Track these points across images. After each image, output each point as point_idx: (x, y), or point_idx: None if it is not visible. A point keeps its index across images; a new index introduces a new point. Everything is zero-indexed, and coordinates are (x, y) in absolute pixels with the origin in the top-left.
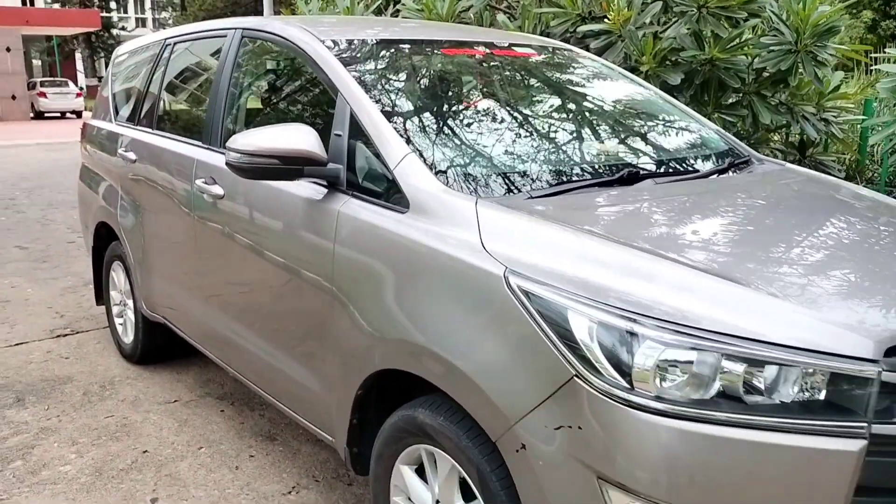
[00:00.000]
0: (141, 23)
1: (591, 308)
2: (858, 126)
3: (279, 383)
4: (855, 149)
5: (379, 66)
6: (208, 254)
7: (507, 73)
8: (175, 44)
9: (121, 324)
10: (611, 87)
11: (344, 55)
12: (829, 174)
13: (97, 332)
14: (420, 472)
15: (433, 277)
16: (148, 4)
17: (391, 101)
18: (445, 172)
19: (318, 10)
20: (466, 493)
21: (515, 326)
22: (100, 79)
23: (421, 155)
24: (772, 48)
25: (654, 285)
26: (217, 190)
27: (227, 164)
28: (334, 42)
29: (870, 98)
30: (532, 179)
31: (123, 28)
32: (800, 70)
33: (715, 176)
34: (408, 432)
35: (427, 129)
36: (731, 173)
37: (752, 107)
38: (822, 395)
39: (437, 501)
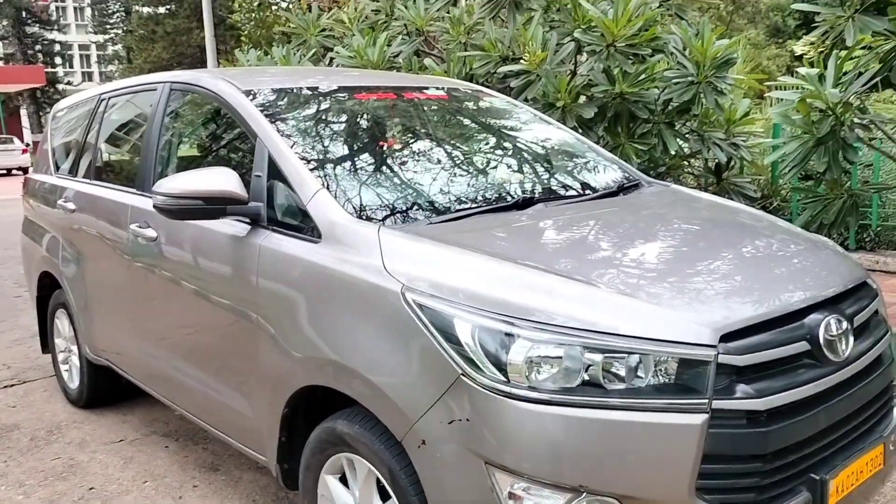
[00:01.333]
0: (87, 77)
1: (473, 315)
2: (761, 149)
3: (218, 413)
4: (769, 170)
5: (294, 113)
6: (146, 295)
7: (415, 114)
8: (110, 98)
9: (66, 370)
10: (513, 122)
11: (262, 104)
12: (745, 195)
13: (44, 380)
14: (343, 480)
15: (343, 298)
16: (94, 58)
17: (305, 143)
18: (352, 204)
19: (257, 61)
20: (383, 494)
21: (412, 336)
22: None
23: (330, 189)
24: (675, 80)
25: (528, 292)
26: (150, 233)
27: (154, 206)
28: (254, 92)
29: (777, 122)
30: (432, 208)
31: (69, 83)
32: (702, 100)
33: (605, 198)
34: (329, 443)
35: (337, 166)
36: (619, 196)
37: (661, 136)
38: (671, 379)
39: None
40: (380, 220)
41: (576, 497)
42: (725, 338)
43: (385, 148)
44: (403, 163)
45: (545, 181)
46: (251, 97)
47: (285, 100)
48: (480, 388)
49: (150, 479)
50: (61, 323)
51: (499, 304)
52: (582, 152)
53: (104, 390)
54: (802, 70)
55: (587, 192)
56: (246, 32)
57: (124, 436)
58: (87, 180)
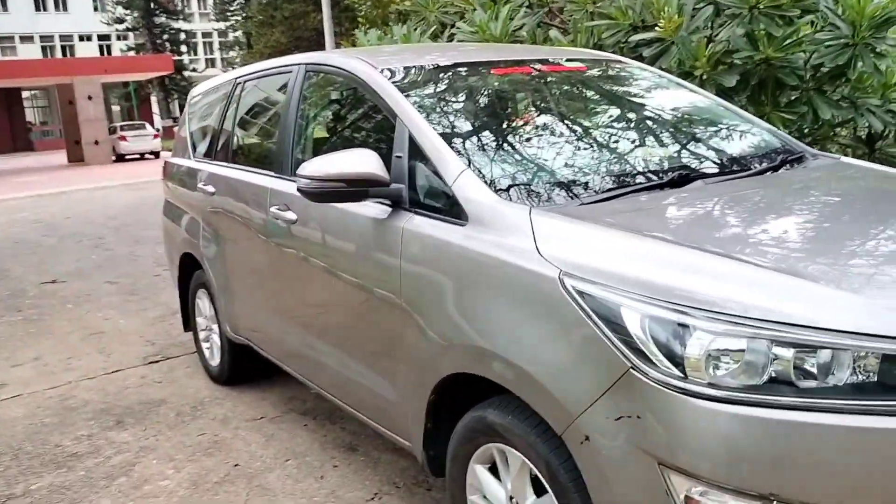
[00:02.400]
0: (210, 63)
1: (642, 303)
2: None
3: (358, 395)
4: None
5: (434, 90)
6: (285, 276)
7: (557, 87)
8: (245, 82)
9: (207, 348)
10: (659, 93)
11: (400, 82)
12: None
13: (186, 357)
14: (493, 470)
15: (493, 284)
16: (216, 45)
17: (446, 121)
18: (500, 185)
19: (377, 40)
20: (538, 488)
21: (572, 325)
22: (175, 119)
23: (476, 170)
24: (828, 43)
25: (703, 279)
26: (290, 215)
27: (297, 189)
28: (391, 70)
29: None
30: (583, 187)
31: (194, 70)
32: (859, 63)
33: (767, 173)
34: (479, 432)
35: (481, 145)
36: (783, 170)
37: (812, 103)
38: (874, 377)
39: (511, 497)
40: (529, 201)
41: None
42: None
43: (527, 125)
44: (548, 140)
45: (701, 156)
46: (388, 76)
47: (422, 77)
48: (653, 383)
49: (292, 458)
50: (202, 302)
51: (671, 291)
52: (737, 123)
53: (244, 368)
54: None
55: (749, 167)
56: (363, 13)
57: (264, 413)
58: (226, 163)
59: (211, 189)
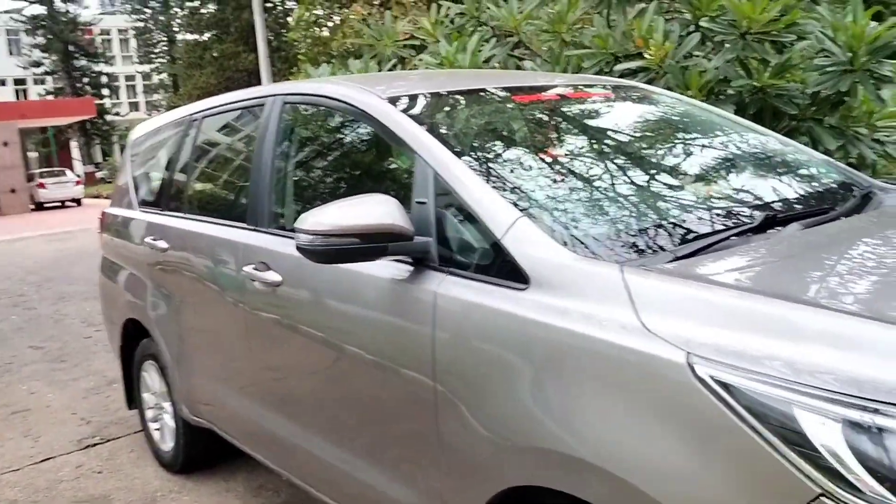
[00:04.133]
0: (134, 107)
1: (828, 402)
2: None
3: (360, 496)
4: None
5: (455, 121)
6: (265, 348)
7: (596, 115)
8: (203, 119)
9: (157, 429)
10: (703, 123)
11: (414, 112)
12: None
13: (129, 438)
14: None
15: (581, 368)
16: (140, 88)
17: (480, 158)
18: (565, 236)
19: (330, 75)
20: None
21: (716, 431)
22: (97, 165)
23: (534, 218)
24: (826, 69)
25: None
26: (273, 276)
27: (297, 248)
28: (399, 99)
29: None
30: (667, 236)
31: (117, 113)
32: (860, 89)
33: (861, 213)
34: None
35: (532, 187)
36: (874, 208)
37: (812, 133)
38: None
39: None
40: (613, 257)
41: None
42: None
43: (586, 161)
44: (614, 178)
45: (781, 195)
46: (396, 105)
47: (438, 106)
48: None
49: None
50: (150, 376)
51: (866, 382)
52: (796, 156)
53: (203, 453)
54: None
55: (833, 206)
56: (303, 51)
57: None
58: (181, 214)
59: (163, 244)
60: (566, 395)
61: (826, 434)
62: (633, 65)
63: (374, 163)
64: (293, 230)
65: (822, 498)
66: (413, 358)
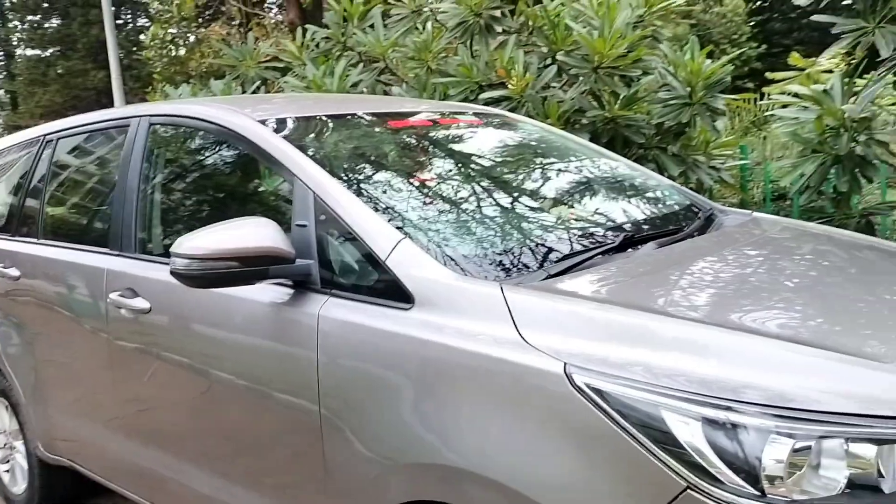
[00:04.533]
0: None
1: (690, 402)
2: (737, 170)
3: None
4: (738, 192)
5: (333, 144)
6: (131, 378)
7: (465, 142)
8: (58, 140)
9: (7, 471)
10: (558, 149)
11: (291, 136)
12: None
13: None
14: None
15: (463, 383)
16: None
17: (359, 181)
18: (450, 257)
19: (191, 96)
20: None
21: (592, 434)
22: None
23: (415, 240)
24: (668, 102)
25: (751, 367)
26: (140, 303)
27: (172, 272)
28: (273, 122)
29: (744, 145)
30: (539, 256)
31: None
32: (698, 121)
33: (708, 232)
34: None
35: (411, 210)
36: (718, 229)
37: (658, 160)
38: None
39: None
40: (493, 276)
41: None
42: None
43: (457, 185)
44: (486, 203)
45: (636, 216)
46: (274, 128)
47: (313, 130)
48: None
49: None
50: None
51: (725, 385)
52: (643, 179)
53: (60, 493)
54: (797, 88)
55: (682, 226)
56: (158, 70)
57: None
58: (34, 240)
59: (15, 272)
60: (446, 410)
61: (689, 432)
62: (496, 94)
63: (248, 186)
64: (164, 255)
65: (689, 490)
66: (295, 382)
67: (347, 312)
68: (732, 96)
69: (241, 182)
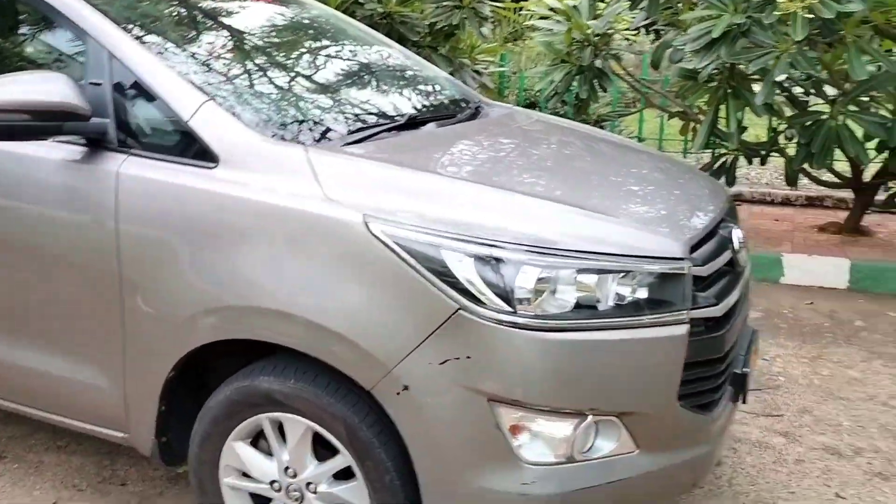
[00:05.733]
0: None
1: (464, 243)
2: (496, 77)
3: (36, 387)
4: (496, 97)
5: (126, 5)
6: None
7: (267, 18)
8: None
9: None
10: (351, 35)
11: None
12: None
13: None
14: (254, 444)
15: (272, 234)
16: None
17: (160, 42)
18: (254, 121)
19: None
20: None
21: (385, 272)
22: None
23: (221, 103)
24: (441, 3)
25: (508, 216)
26: None
27: None
28: None
29: (504, 53)
30: (340, 126)
31: None
32: (467, 25)
33: (479, 118)
34: (245, 404)
35: (218, 74)
36: (486, 117)
37: (430, 59)
38: (653, 294)
39: (287, 468)
40: (296, 140)
41: (582, 421)
42: (691, 251)
43: (264, 57)
44: (290, 75)
45: (421, 102)
46: None
47: None
48: (484, 320)
49: None
50: None
51: (489, 229)
52: (427, 71)
53: None
54: (552, 2)
55: (456, 113)
56: None
57: None
58: None
59: None
60: (254, 260)
61: (462, 267)
62: None
63: (27, 40)
64: None
65: (461, 311)
66: (92, 243)
67: (148, 170)
68: (498, 4)
69: (23, 39)
